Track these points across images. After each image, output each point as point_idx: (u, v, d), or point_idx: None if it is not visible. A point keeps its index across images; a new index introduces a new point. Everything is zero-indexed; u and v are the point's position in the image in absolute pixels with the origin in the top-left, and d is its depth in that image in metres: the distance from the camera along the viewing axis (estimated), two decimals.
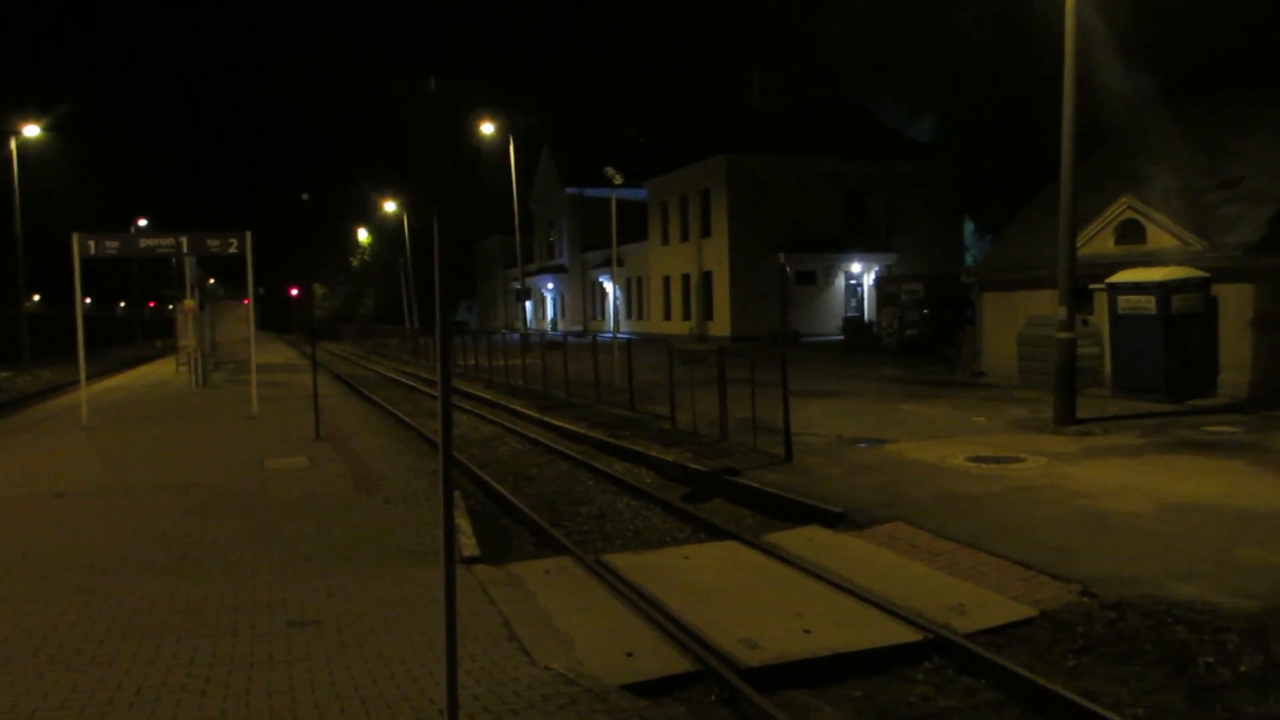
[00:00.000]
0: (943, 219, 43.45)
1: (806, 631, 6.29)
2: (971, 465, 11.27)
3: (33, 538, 8.72)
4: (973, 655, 5.93)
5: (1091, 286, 17.83)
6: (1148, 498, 9.36)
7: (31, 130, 38.05)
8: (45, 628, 6.24)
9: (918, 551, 8.07)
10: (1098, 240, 18.84)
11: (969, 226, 46.50)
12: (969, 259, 43.22)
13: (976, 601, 6.82)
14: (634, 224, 47.03)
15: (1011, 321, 20.52)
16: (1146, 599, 6.58)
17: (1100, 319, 17.94)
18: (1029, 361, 18.88)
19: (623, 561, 8.20)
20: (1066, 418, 14.00)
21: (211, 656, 5.73)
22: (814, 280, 41.58)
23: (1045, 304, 18.09)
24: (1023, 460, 11.45)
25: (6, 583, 7.28)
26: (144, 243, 17.99)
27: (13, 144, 37.49)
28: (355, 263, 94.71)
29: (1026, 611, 6.61)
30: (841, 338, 35.54)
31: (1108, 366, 17.49)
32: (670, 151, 47.88)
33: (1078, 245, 15.00)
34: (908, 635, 6.24)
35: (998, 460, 11.49)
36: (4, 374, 34.95)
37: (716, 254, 42.08)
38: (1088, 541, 7.98)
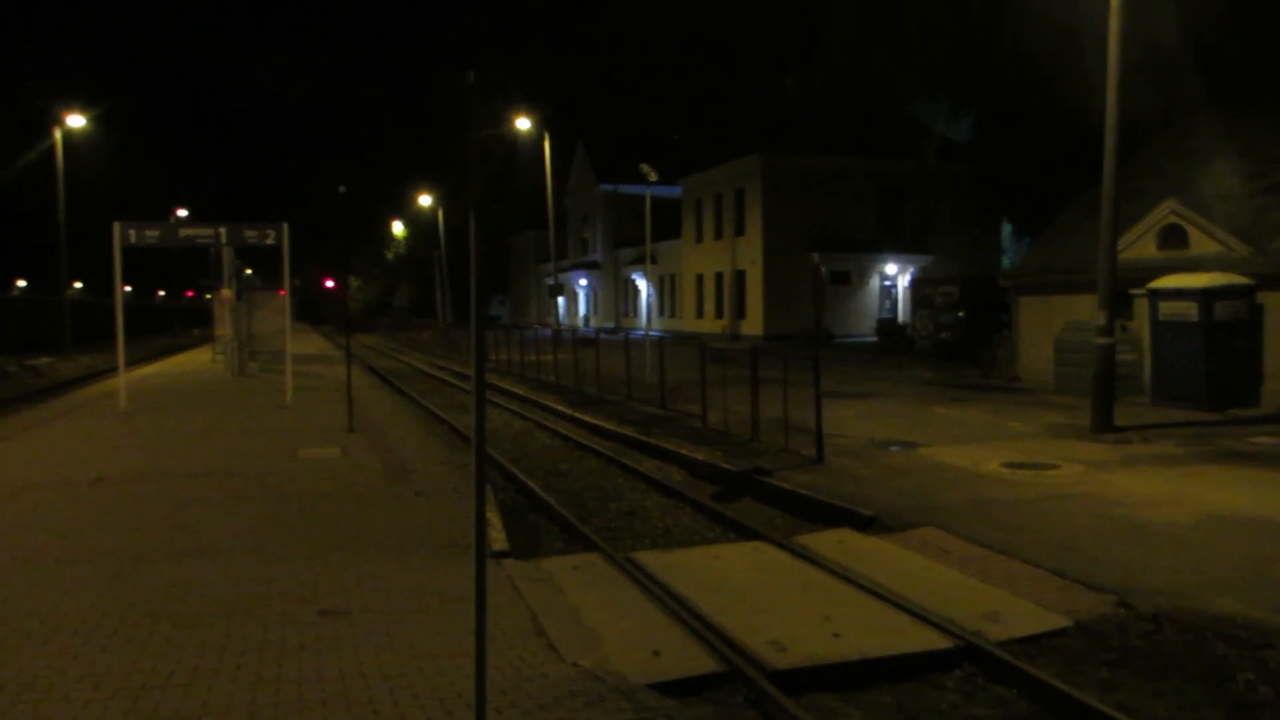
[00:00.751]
0: (980, 221, 43.07)
1: (836, 635, 6.25)
2: (1006, 471, 11.15)
3: (71, 521, 8.84)
4: (1004, 664, 5.86)
5: (1131, 292, 17.57)
6: (1187, 508, 9.21)
7: (76, 120, 38.55)
8: (81, 609, 6.32)
9: (950, 557, 7.99)
10: (1139, 245, 18.57)
11: (1006, 229, 46.06)
12: (1006, 261, 42.81)
13: (1009, 610, 6.74)
14: (668, 221, 46.99)
15: (1049, 326, 20.28)
16: (1184, 612, 6.46)
17: (1140, 325, 17.68)
18: (1066, 367, 18.65)
19: (652, 559, 8.18)
20: (1104, 425, 13.81)
21: (243, 643, 5.77)
22: (848, 280, 41.35)
23: (1084, 309, 17.87)
24: (1058, 467, 11.30)
25: (45, 565, 7.38)
26: (183, 232, 18.18)
27: (57, 133, 38.05)
28: (390, 256, 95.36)
29: (1060, 621, 6.52)
30: (875, 339, 35.31)
31: (1147, 374, 17.23)
32: (705, 149, 47.79)
33: (1118, 249, 14.78)
34: (938, 642, 6.17)
35: (1033, 466, 11.35)
36: (46, 359, 35.55)
37: (750, 252, 41.96)
38: (1124, 551, 7.86)
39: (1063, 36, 26.07)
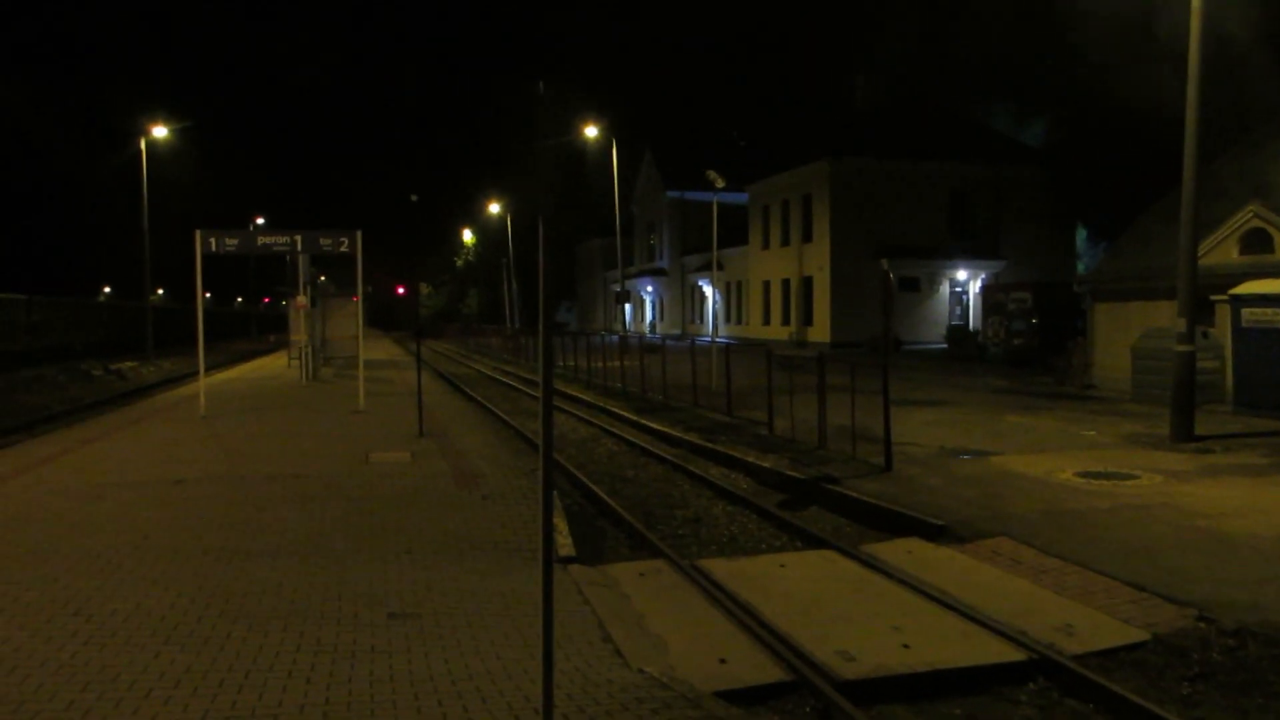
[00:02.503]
0: (1053, 226, 42.25)
1: (905, 646, 6.17)
2: (1081, 480, 10.90)
3: (153, 522, 9.11)
4: (1080, 678, 5.72)
5: (1213, 298, 17.08)
6: (1271, 520, 8.91)
7: (159, 131, 39.77)
8: (163, 609, 6.51)
9: (1022, 568, 7.84)
10: (1220, 250, 18.04)
11: (1081, 234, 45.09)
12: (1080, 267, 41.89)
13: (1085, 622, 6.59)
14: (734, 228, 46.89)
15: (1125, 333, 19.80)
16: (1270, 627, 6.25)
17: (1222, 332, 17.18)
18: (1144, 375, 18.19)
19: (718, 567, 8.17)
20: (1184, 434, 13.44)
21: (316, 644, 5.89)
22: (917, 287, 40.83)
23: (1162, 315, 17.41)
24: (1136, 477, 11.02)
25: (128, 565, 7.62)
26: (261, 240, 18.59)
27: (142, 144, 39.29)
28: (459, 263, 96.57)
29: (1138, 635, 6.36)
30: (945, 346, 34.86)
31: (1229, 382, 16.73)
32: (772, 155, 47.59)
33: (1199, 254, 14.37)
34: (1011, 654, 6.06)
35: (1109, 476, 11.08)
36: (129, 363, 36.69)
37: (818, 259, 41.66)
38: (1205, 564, 7.63)
39: (1138, 38, 25.47)
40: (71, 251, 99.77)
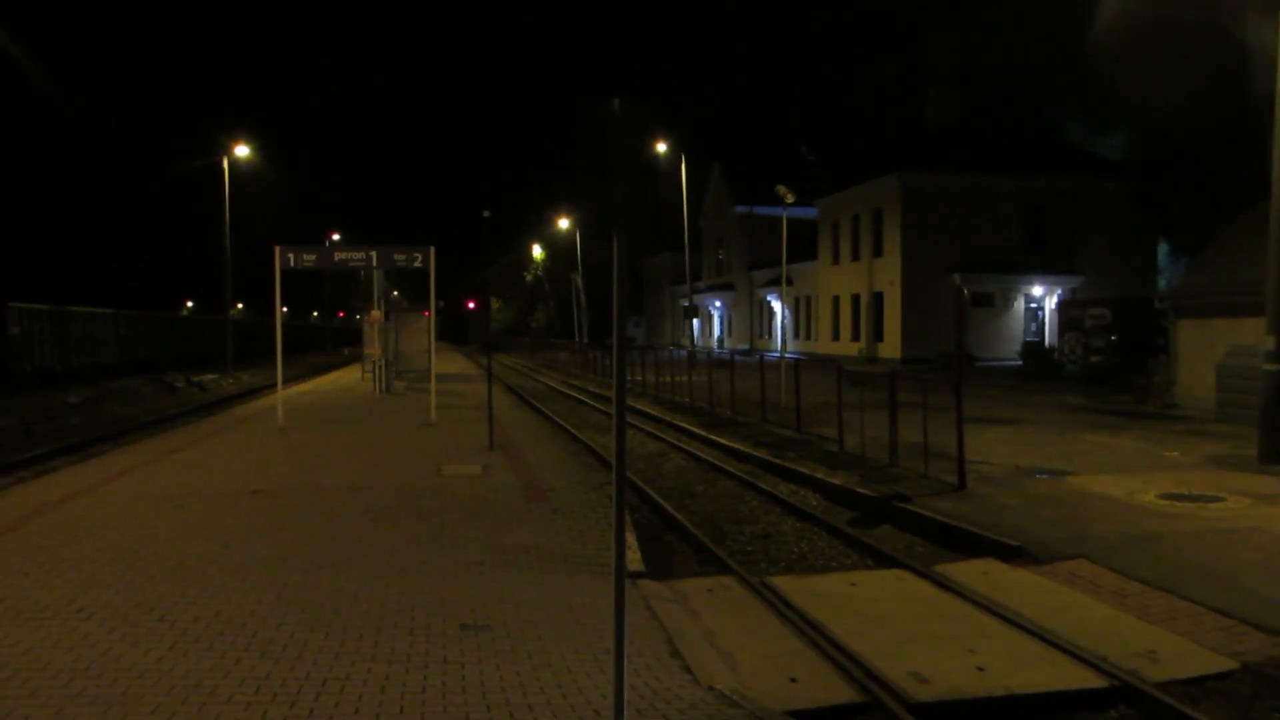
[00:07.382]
0: (1133, 241, 41.24)
1: (980, 669, 6.05)
2: (1163, 503, 10.59)
3: (233, 531, 9.34)
4: (1165, 707, 5.56)
5: None
6: None
7: (241, 150, 40.92)
8: (242, 616, 6.67)
9: (1103, 592, 7.64)
10: None
11: (1162, 249, 43.94)
12: (1162, 283, 40.81)
13: (1169, 649, 6.40)
14: (803, 243, 46.63)
15: (1209, 350, 19.21)
16: None
17: None
18: (1229, 394, 17.64)
19: (787, 584, 8.11)
20: (1273, 456, 12.99)
21: (390, 654, 5.98)
22: (991, 303, 40.14)
23: (1249, 333, 16.86)
24: (1222, 500, 10.68)
25: (209, 572, 7.82)
26: (337, 255, 18.98)
27: (224, 163, 40.48)
28: (528, 277, 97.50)
29: (1226, 663, 6.15)
30: (1019, 363, 34.21)
31: None
32: (842, 169, 47.27)
33: None
34: (1091, 680, 5.91)
35: (1193, 499, 10.75)
36: (211, 376, 37.74)
37: (888, 274, 41.21)
38: None
39: (1221, 47, 24.81)
40: (156, 267, 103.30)
